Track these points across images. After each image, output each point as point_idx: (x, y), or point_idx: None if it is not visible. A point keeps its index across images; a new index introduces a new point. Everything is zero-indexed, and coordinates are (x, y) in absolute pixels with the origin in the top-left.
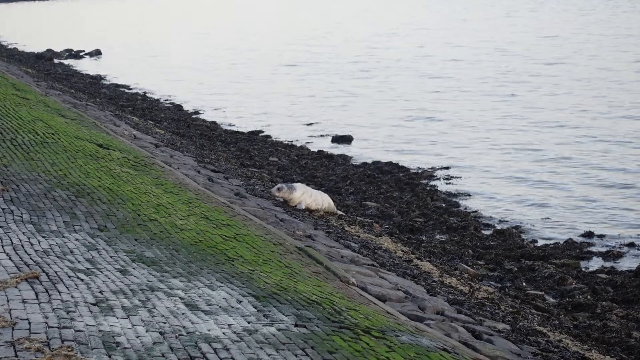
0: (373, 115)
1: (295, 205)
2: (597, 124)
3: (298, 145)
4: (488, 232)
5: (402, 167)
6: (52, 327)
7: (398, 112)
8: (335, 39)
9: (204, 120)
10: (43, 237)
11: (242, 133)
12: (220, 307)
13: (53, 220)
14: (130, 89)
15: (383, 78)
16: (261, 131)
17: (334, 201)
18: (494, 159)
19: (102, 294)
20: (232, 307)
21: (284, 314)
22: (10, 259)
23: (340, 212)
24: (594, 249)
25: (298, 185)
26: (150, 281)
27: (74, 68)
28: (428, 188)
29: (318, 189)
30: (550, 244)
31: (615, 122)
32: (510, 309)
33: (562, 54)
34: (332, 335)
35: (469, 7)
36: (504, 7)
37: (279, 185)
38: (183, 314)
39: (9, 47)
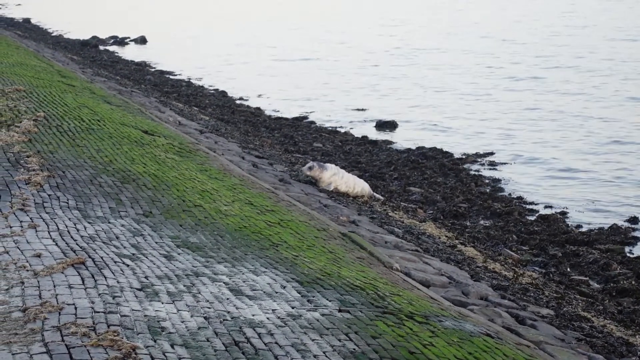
0: (417, 100)
1: (324, 186)
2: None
3: (342, 131)
4: (532, 218)
5: (446, 152)
6: (98, 312)
7: (442, 98)
8: (374, 25)
9: (248, 106)
10: (89, 223)
11: (286, 119)
12: (264, 292)
13: (99, 206)
14: (175, 75)
15: (427, 64)
16: (305, 117)
17: (378, 187)
18: (539, 145)
19: (147, 279)
20: (276, 293)
21: (327, 299)
22: (56, 244)
23: (378, 196)
24: (638, 234)
25: (329, 166)
26: (195, 266)
27: (119, 55)
28: (472, 173)
29: (362, 175)
30: (595, 229)
31: None
32: (554, 295)
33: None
34: (375, 321)
35: None
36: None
37: (311, 163)
38: (227, 299)
39: (55, 34)
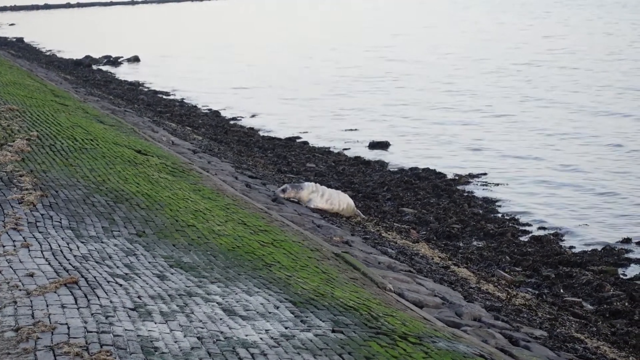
0: (410, 121)
1: (306, 205)
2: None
3: (335, 151)
4: (525, 239)
5: (440, 173)
6: (91, 332)
7: (435, 118)
8: (367, 45)
9: (241, 127)
10: (82, 242)
11: (280, 139)
12: (257, 312)
13: (92, 225)
14: (168, 95)
15: (420, 84)
16: (298, 137)
17: (371, 207)
18: (532, 166)
19: (140, 299)
20: (270, 313)
21: (321, 320)
22: (49, 264)
23: (361, 215)
24: (631, 255)
25: (306, 185)
26: (188, 286)
27: (113, 74)
28: (465, 194)
29: (355, 195)
30: (588, 250)
31: None
32: (548, 316)
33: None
34: (369, 341)
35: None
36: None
37: (284, 186)
38: (221, 319)
39: (48, 53)
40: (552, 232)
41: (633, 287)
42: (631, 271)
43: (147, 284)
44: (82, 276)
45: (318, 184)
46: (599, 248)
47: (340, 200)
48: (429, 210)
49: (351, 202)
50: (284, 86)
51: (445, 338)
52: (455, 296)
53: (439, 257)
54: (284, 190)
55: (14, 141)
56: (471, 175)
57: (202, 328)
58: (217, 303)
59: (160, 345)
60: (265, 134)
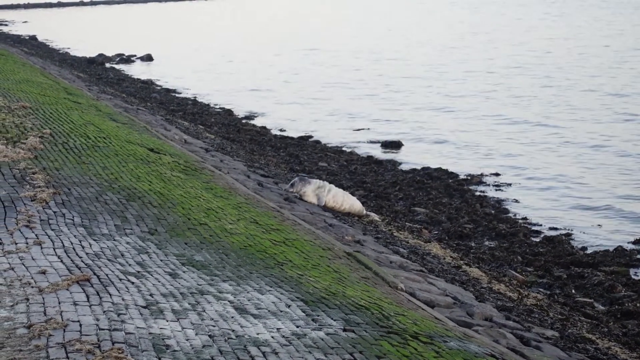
0: (422, 120)
1: (312, 201)
2: None
3: (347, 150)
4: (537, 239)
5: (452, 173)
6: (103, 329)
7: (448, 119)
8: (381, 45)
9: (254, 125)
10: (94, 240)
11: (292, 138)
12: (269, 311)
13: (104, 223)
14: (181, 93)
15: (432, 83)
16: (311, 136)
17: (383, 207)
18: (544, 166)
19: (152, 297)
20: (281, 311)
21: (332, 319)
22: (62, 261)
23: (375, 216)
24: None
25: (314, 180)
26: (200, 285)
27: (125, 72)
28: (477, 194)
29: (367, 195)
30: (600, 251)
31: None
32: (559, 316)
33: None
34: (380, 340)
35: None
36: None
37: (293, 180)
38: (232, 317)
39: (61, 51)
40: (563, 232)
41: None
42: None
43: (159, 281)
44: (95, 274)
45: (325, 182)
46: (611, 249)
47: (344, 201)
48: (441, 210)
49: (357, 204)
50: (296, 86)
51: (456, 338)
52: (466, 296)
53: (451, 256)
54: (292, 185)
55: (27, 139)
56: (483, 175)
57: (214, 326)
58: (228, 301)
59: (171, 343)
60: (278, 133)
